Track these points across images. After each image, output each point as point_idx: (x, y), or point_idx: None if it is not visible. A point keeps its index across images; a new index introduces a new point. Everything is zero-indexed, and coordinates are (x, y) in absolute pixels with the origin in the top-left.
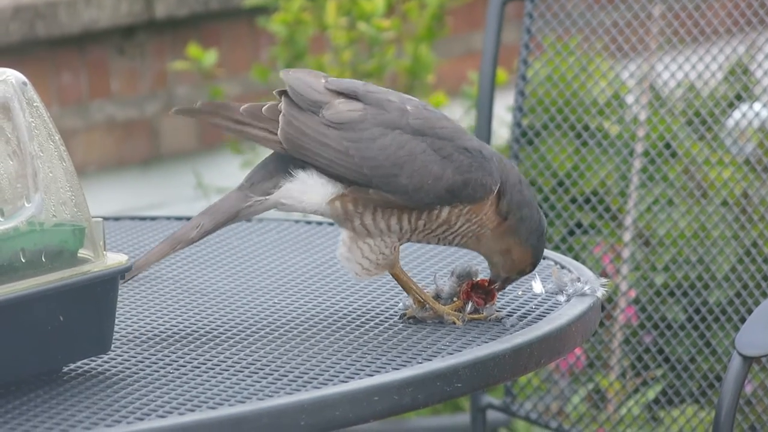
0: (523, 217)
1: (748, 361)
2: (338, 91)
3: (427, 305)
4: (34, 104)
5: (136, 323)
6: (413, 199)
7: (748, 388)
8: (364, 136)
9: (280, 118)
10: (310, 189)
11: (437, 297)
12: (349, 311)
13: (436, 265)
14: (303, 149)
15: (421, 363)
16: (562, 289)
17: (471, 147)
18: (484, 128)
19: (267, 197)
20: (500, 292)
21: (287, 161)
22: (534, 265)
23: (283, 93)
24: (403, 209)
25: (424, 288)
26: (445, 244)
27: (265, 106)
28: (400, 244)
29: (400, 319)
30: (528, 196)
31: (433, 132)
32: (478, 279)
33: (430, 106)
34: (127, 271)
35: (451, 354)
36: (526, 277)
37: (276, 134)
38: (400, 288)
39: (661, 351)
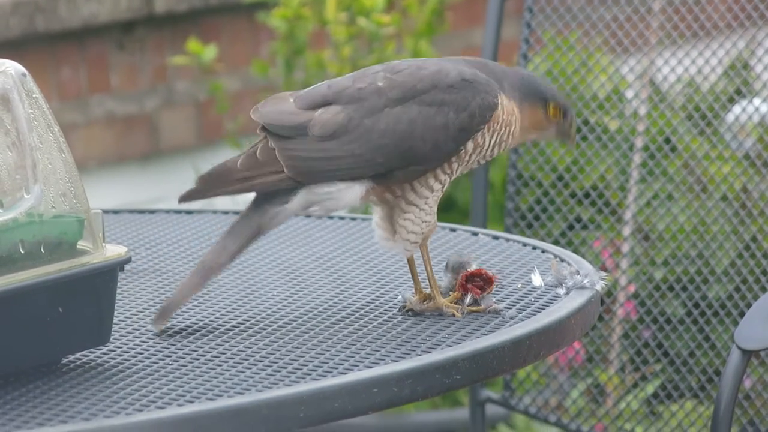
0: (526, 94)
1: (747, 355)
2: (311, 105)
3: (431, 293)
4: (34, 95)
5: (136, 315)
6: (435, 157)
7: (747, 383)
8: (360, 131)
9: (278, 155)
10: (336, 194)
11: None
12: (349, 304)
13: (437, 257)
14: (317, 174)
15: (420, 355)
16: (561, 282)
17: (454, 81)
18: None
19: (285, 206)
20: (497, 281)
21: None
22: (544, 104)
23: (264, 129)
24: (434, 169)
25: (421, 282)
26: (486, 161)
27: (258, 151)
28: (439, 198)
29: (399, 311)
30: (527, 78)
31: (415, 91)
32: (473, 269)
33: (396, 65)
34: (126, 263)
35: (451, 346)
36: (525, 270)
37: (283, 172)
38: (400, 281)
39: (660, 345)
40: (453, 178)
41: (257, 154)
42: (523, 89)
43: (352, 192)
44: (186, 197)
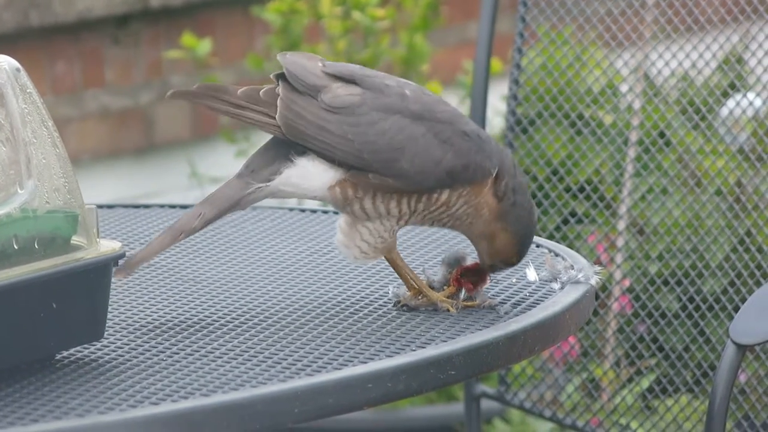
0: (516, 202)
1: (742, 349)
2: (336, 75)
3: (422, 292)
4: (27, 90)
5: (130, 310)
6: (414, 182)
7: (742, 378)
8: (363, 120)
9: (278, 101)
10: (310, 175)
11: (429, 287)
12: (343, 299)
13: (428, 254)
14: (302, 134)
15: (414, 350)
16: (556, 277)
17: (470, 131)
18: (478, 117)
19: (268, 184)
20: (492, 277)
21: (287, 147)
22: (519, 256)
23: (280, 76)
24: (402, 193)
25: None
26: (439, 227)
27: (263, 90)
28: (399, 228)
29: (393, 306)
30: (522, 182)
31: (433, 116)
32: (467, 264)
33: (427, 90)
34: (120, 258)
35: (445, 341)
36: (520, 264)
37: (274, 118)
38: (395, 276)
39: (655, 340)
40: (408, 220)
41: (261, 92)
42: (522, 222)
43: (326, 176)
44: (177, 94)
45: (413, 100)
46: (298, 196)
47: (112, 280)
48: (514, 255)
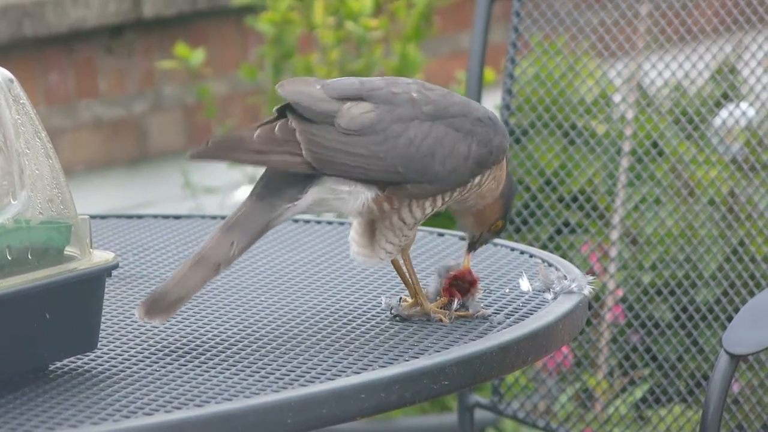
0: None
1: (735, 359)
2: (342, 96)
3: (418, 299)
4: (21, 101)
5: (123, 321)
6: (449, 182)
7: (735, 387)
8: (387, 135)
9: (299, 136)
10: (345, 196)
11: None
12: (336, 309)
13: (420, 265)
14: (333, 164)
15: (408, 360)
16: (549, 287)
17: (482, 116)
18: None
19: (295, 203)
20: (483, 284)
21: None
22: (503, 216)
23: (285, 108)
24: (437, 193)
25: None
26: (455, 209)
27: (276, 127)
28: (421, 222)
29: (391, 318)
30: (512, 184)
31: (447, 113)
32: (453, 272)
33: (427, 84)
34: (113, 269)
35: (438, 352)
36: (513, 275)
37: (300, 155)
38: (388, 286)
39: (648, 350)
40: (443, 207)
41: (276, 130)
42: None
43: (363, 196)
44: (197, 155)
45: (423, 101)
46: (332, 211)
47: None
48: (499, 217)
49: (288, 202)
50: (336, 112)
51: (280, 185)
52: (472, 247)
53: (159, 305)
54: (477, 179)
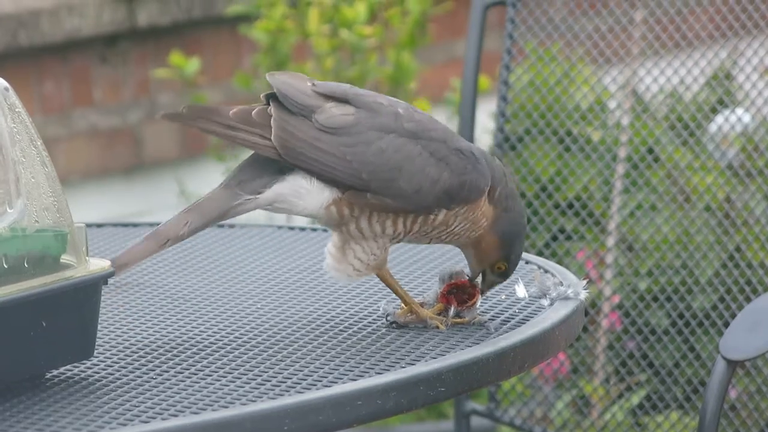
0: (507, 207)
1: (732, 365)
2: (327, 94)
3: (412, 309)
4: (16, 109)
5: (119, 329)
6: (411, 202)
7: (733, 394)
8: (360, 140)
9: (273, 122)
10: (305, 193)
11: (423, 303)
12: (333, 316)
13: (418, 271)
14: (299, 154)
15: (404, 367)
16: (545, 293)
17: (463, 148)
18: (466, 135)
19: (257, 196)
20: (483, 294)
21: (276, 161)
22: (506, 260)
23: (271, 97)
24: (399, 213)
25: (409, 292)
26: (435, 243)
27: (255, 110)
28: (392, 245)
29: (384, 323)
30: (513, 189)
31: (427, 135)
32: (455, 280)
33: (416, 108)
34: (110, 277)
35: (435, 358)
36: (509, 281)
37: (269, 139)
38: (384, 293)
39: (645, 356)
40: (402, 238)
41: (253, 113)
42: (506, 221)
43: (322, 196)
44: (170, 116)
45: (407, 118)
46: (289, 212)
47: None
48: (500, 258)
49: (251, 194)
50: (317, 108)
51: (249, 178)
52: (482, 289)
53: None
54: (442, 214)
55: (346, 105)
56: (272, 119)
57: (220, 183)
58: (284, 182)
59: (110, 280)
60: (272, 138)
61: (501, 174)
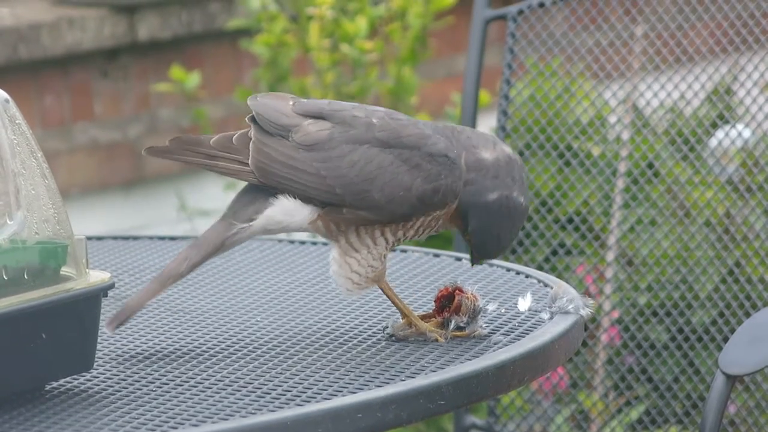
0: (469, 181)
1: (731, 379)
2: (305, 113)
3: (411, 322)
4: (17, 121)
5: (119, 341)
6: (386, 212)
7: (732, 409)
8: (333, 154)
9: (251, 146)
10: (290, 212)
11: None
12: (332, 329)
13: (417, 285)
14: (274, 176)
15: (404, 380)
16: (545, 307)
17: (436, 152)
18: None
19: (251, 224)
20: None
21: (266, 186)
22: (468, 230)
23: (252, 120)
24: (384, 223)
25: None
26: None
27: (236, 136)
28: (388, 253)
29: (383, 336)
30: (493, 167)
31: (399, 142)
32: (440, 292)
33: (397, 113)
34: (109, 289)
35: (434, 371)
36: (509, 295)
37: (247, 164)
38: (383, 306)
39: (644, 371)
40: (395, 246)
41: (233, 138)
42: (466, 192)
43: (304, 212)
44: (153, 151)
45: (380, 127)
46: (285, 231)
47: (102, 325)
48: (465, 230)
49: (244, 222)
50: (294, 126)
51: (242, 206)
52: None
53: (117, 316)
54: (420, 221)
55: (323, 121)
56: (251, 143)
57: (222, 214)
58: (274, 206)
59: (117, 322)
60: (249, 162)
61: (473, 160)
